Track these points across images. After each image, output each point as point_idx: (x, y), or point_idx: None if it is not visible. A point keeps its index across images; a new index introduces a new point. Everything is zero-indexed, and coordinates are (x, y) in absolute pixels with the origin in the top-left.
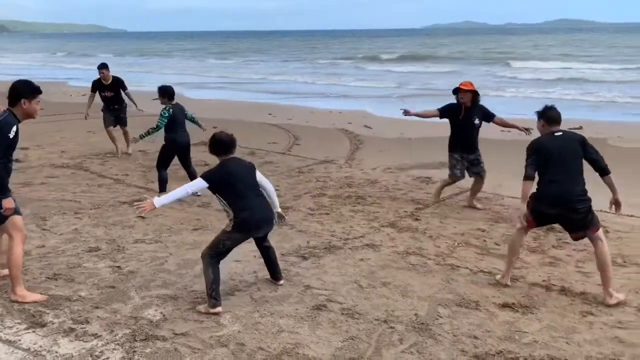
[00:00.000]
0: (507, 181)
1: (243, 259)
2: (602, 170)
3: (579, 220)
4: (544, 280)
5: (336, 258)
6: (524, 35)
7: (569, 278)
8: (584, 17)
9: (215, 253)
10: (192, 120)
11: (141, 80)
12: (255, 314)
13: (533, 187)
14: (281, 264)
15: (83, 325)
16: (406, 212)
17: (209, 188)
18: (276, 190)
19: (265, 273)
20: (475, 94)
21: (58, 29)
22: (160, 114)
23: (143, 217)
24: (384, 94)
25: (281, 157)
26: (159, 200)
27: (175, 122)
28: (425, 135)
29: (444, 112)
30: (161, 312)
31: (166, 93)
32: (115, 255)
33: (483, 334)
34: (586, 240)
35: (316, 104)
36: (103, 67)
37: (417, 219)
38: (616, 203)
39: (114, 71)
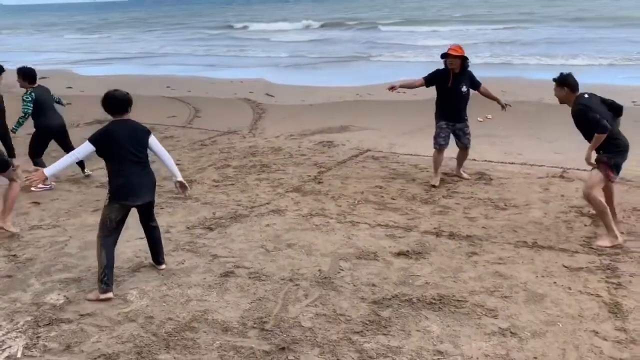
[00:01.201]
0: (401, 140)
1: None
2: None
3: None
4: (434, 228)
5: (242, 226)
6: None
7: (457, 224)
8: None
9: (106, 231)
10: (59, 102)
11: (24, 59)
12: (162, 287)
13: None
14: (188, 237)
15: None
16: (309, 176)
17: (96, 152)
18: (179, 164)
19: (171, 247)
20: (464, 60)
21: None
22: (23, 99)
23: (38, 203)
24: (282, 62)
25: (182, 130)
26: (48, 170)
27: (43, 106)
28: (325, 100)
29: (430, 80)
30: (64, 296)
31: (27, 76)
32: (9, 244)
33: (380, 282)
34: (472, 188)
35: (216, 74)
36: None
37: (320, 182)
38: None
39: None
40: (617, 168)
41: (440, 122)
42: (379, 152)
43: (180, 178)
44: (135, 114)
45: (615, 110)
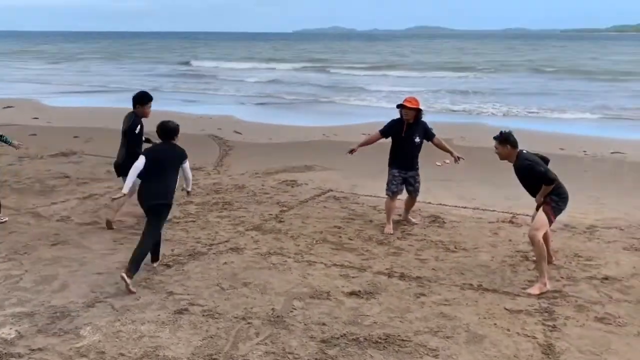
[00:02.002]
0: (362, 181)
1: (105, 271)
2: None
3: None
4: (387, 269)
5: (200, 264)
6: (387, 41)
7: (409, 265)
8: (441, 25)
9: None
10: (4, 140)
11: None
12: (116, 322)
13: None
14: (144, 273)
15: None
16: (271, 214)
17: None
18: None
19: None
20: (418, 111)
21: None
22: None
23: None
24: (251, 100)
25: None
26: (125, 188)
27: None
28: (292, 139)
29: (386, 132)
30: (16, 330)
31: None
32: None
33: (331, 321)
34: (425, 230)
35: (186, 109)
36: None
37: (281, 221)
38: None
39: None
40: (558, 212)
41: (392, 170)
42: (340, 193)
43: (189, 189)
44: (101, 147)
45: (545, 161)
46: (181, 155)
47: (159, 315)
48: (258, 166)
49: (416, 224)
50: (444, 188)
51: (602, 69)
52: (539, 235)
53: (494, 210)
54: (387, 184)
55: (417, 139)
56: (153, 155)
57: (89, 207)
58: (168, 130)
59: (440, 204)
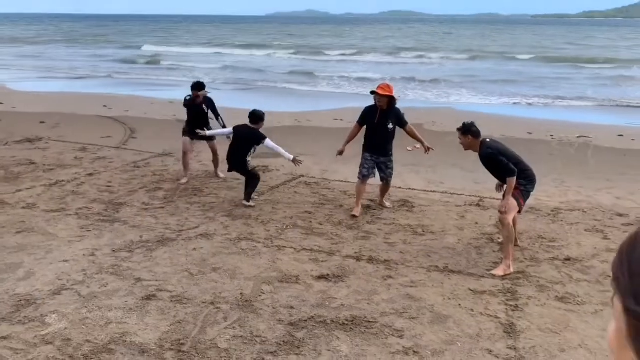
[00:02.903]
0: (334, 167)
1: (72, 258)
2: None
3: None
4: (356, 253)
5: (169, 250)
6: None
7: (377, 248)
8: (414, 9)
9: None
10: None
11: None
12: (83, 309)
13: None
14: (112, 260)
15: None
16: (241, 200)
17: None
18: (109, 186)
19: (95, 270)
20: (391, 99)
21: None
22: None
23: None
24: (223, 85)
25: (116, 151)
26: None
27: None
28: (265, 125)
29: (362, 121)
30: None
31: None
32: None
33: (299, 304)
34: (394, 214)
35: (157, 94)
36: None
37: (251, 207)
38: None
39: None
40: (527, 195)
41: (365, 154)
42: (311, 178)
43: (290, 157)
44: (68, 133)
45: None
46: (257, 137)
47: (126, 301)
48: None
49: (389, 207)
50: (414, 172)
51: (571, 55)
52: (509, 219)
53: (462, 194)
54: (359, 167)
55: (391, 126)
56: (236, 131)
57: (56, 194)
58: (254, 116)
59: (410, 189)
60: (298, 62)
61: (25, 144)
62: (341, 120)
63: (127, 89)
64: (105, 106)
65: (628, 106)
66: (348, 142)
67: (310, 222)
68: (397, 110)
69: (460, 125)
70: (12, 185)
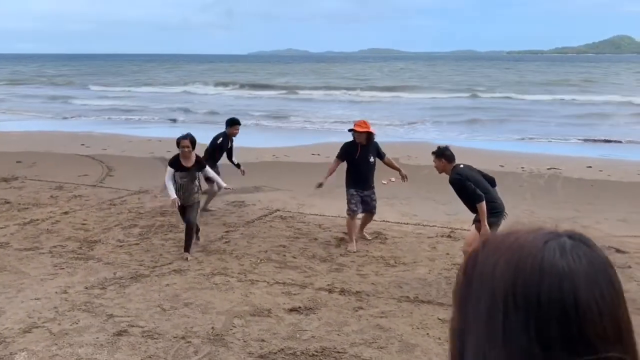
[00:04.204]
0: (310, 200)
1: (43, 296)
2: None
3: None
4: (328, 285)
5: (142, 286)
6: (341, 63)
7: (350, 280)
8: (392, 47)
9: None
10: None
11: None
12: (53, 347)
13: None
14: (85, 297)
15: None
16: (216, 235)
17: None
18: (84, 224)
19: (67, 308)
20: (369, 134)
21: None
22: None
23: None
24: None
25: (92, 189)
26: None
27: None
28: (243, 160)
29: (341, 156)
30: None
31: None
32: None
33: (270, 337)
34: (368, 246)
35: (134, 132)
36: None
37: (226, 242)
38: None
39: None
40: (494, 227)
41: (350, 190)
42: (287, 212)
43: (224, 185)
44: (44, 172)
45: (489, 181)
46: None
47: (97, 337)
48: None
49: (369, 239)
50: (388, 205)
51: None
52: (470, 250)
53: (434, 226)
54: (347, 204)
55: (372, 159)
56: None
57: (30, 232)
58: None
59: (384, 221)
60: (274, 100)
61: (0, 183)
62: (318, 155)
63: (106, 127)
64: (83, 144)
65: (595, 140)
66: (328, 176)
67: (284, 255)
68: (376, 144)
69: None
70: None
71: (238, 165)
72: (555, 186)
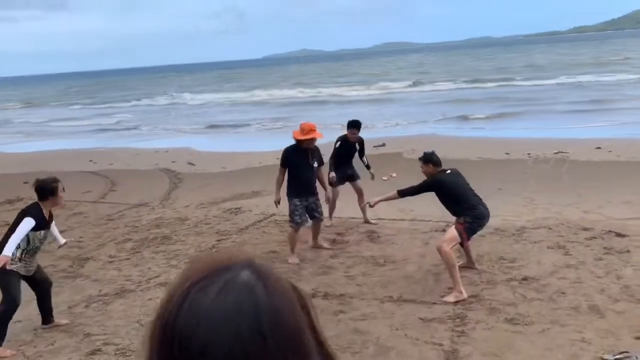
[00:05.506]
0: None
1: (25, 318)
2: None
3: None
4: (312, 289)
5: (125, 302)
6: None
7: (335, 283)
8: (404, 40)
9: None
10: None
11: None
12: None
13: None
14: (68, 316)
15: None
16: (208, 245)
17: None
18: (80, 241)
19: (46, 329)
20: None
21: None
22: None
23: None
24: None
25: (92, 206)
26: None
27: None
28: (245, 166)
29: (285, 163)
30: None
31: None
32: None
33: None
34: (359, 246)
35: (141, 145)
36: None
37: (217, 251)
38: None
39: None
40: (472, 232)
41: (293, 200)
42: (282, 216)
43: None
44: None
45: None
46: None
47: (70, 358)
48: (206, 197)
49: (329, 248)
50: (386, 202)
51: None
52: (445, 247)
53: (429, 221)
54: (290, 215)
55: (315, 164)
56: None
57: None
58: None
59: (379, 218)
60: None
61: (4, 205)
62: (324, 154)
63: (115, 142)
64: (91, 161)
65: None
66: (280, 188)
67: (273, 261)
68: (319, 149)
69: (421, 155)
70: None
71: (368, 167)
72: (560, 171)
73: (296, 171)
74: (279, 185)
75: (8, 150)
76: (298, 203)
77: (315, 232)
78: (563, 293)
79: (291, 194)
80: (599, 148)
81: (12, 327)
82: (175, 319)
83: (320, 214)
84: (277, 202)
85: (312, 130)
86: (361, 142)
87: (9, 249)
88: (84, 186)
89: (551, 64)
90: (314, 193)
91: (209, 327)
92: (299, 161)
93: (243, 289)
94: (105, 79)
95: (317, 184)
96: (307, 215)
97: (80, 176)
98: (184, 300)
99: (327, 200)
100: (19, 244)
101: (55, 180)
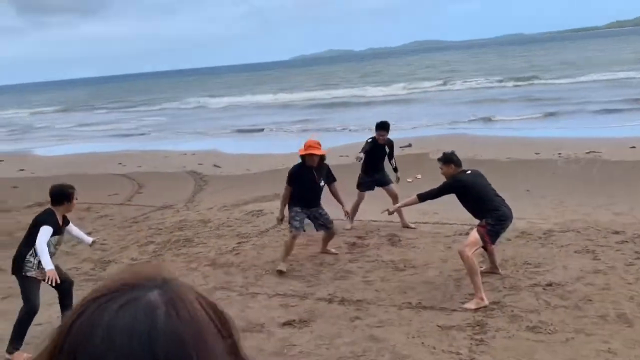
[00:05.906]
0: (326, 205)
1: (46, 321)
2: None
3: None
4: (329, 294)
5: None
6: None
7: (353, 288)
8: (434, 38)
9: None
10: None
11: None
12: None
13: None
14: None
15: None
16: (228, 248)
17: None
18: (103, 244)
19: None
20: (321, 156)
21: None
22: None
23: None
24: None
25: (118, 208)
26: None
27: None
28: (270, 168)
29: (291, 181)
30: None
31: None
32: None
33: (256, 354)
34: (379, 250)
35: (169, 147)
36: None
37: (237, 254)
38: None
39: None
40: (495, 235)
41: (294, 208)
42: None
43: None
44: (77, 194)
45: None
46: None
47: None
48: (229, 199)
49: (336, 254)
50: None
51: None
52: (467, 251)
53: (453, 224)
54: (290, 221)
55: (322, 183)
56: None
57: None
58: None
59: (393, 222)
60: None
61: (34, 208)
62: (347, 156)
63: (144, 144)
64: (120, 163)
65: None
66: (284, 205)
67: (291, 264)
68: (327, 166)
69: (440, 155)
70: (8, 251)
71: (395, 169)
72: (591, 172)
73: (302, 189)
74: (284, 203)
75: (40, 154)
76: (299, 211)
77: (326, 239)
78: (590, 300)
79: (293, 204)
80: (634, 147)
81: (32, 330)
82: (69, 332)
83: (329, 222)
84: (280, 221)
85: (311, 146)
86: (390, 144)
87: (46, 261)
88: (111, 188)
89: (586, 61)
90: (317, 204)
91: (100, 344)
92: (304, 178)
93: (143, 309)
94: (136, 81)
95: (330, 198)
96: (311, 223)
97: (108, 178)
98: (81, 315)
99: (346, 214)
100: (34, 252)
101: (72, 187)
